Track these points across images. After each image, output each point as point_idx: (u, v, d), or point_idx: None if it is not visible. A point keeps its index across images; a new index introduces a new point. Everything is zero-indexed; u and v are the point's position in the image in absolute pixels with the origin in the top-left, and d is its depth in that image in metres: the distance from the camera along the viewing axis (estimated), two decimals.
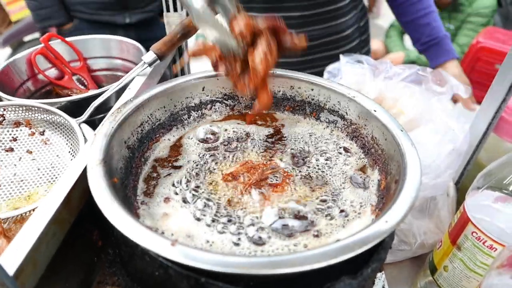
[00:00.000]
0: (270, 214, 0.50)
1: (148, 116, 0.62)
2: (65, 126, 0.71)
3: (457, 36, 2.31)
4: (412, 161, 0.49)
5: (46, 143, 0.71)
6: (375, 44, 2.71)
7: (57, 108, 0.75)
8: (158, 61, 0.74)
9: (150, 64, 0.74)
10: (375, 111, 0.60)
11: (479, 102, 0.81)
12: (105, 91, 0.75)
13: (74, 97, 0.78)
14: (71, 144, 0.70)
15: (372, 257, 0.43)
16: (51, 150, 0.71)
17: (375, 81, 0.97)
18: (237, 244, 0.47)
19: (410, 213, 0.75)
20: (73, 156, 0.68)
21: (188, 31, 0.75)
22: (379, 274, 0.62)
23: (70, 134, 0.70)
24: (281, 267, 0.35)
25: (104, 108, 0.80)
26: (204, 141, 0.65)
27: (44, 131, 0.72)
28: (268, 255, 0.45)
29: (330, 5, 1.08)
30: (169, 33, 0.76)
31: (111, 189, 0.44)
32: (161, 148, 0.63)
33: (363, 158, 0.61)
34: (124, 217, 0.40)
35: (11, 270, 0.36)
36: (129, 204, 0.50)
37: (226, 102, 0.71)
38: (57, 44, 0.94)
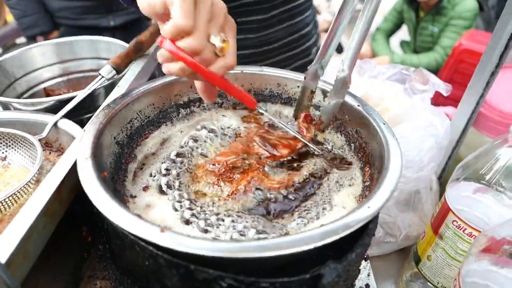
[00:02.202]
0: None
1: (137, 113, 0.63)
2: (28, 143, 0.66)
3: (440, 38, 2.37)
4: (394, 151, 0.51)
5: (7, 168, 0.67)
6: (362, 47, 2.75)
7: (45, 108, 0.76)
8: (116, 74, 0.78)
9: (108, 79, 0.77)
10: (358, 106, 0.62)
11: None
12: (91, 92, 0.75)
13: (61, 96, 0.78)
14: (32, 162, 0.66)
15: (356, 243, 0.44)
16: (11, 173, 0.66)
17: (360, 80, 0.99)
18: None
19: (395, 206, 0.78)
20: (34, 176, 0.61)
21: (141, 47, 0.84)
22: (364, 263, 0.63)
23: (32, 151, 0.66)
24: (269, 250, 0.37)
25: (93, 107, 0.81)
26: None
27: (6, 156, 0.68)
28: (255, 239, 0.46)
29: (288, 3, 1.07)
30: (125, 48, 0.82)
31: (100, 181, 0.45)
32: (150, 145, 0.64)
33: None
34: (114, 206, 0.41)
35: (2, 258, 0.37)
36: (119, 197, 0.51)
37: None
38: (46, 46, 0.95)
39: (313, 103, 0.68)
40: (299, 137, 0.62)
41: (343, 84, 0.60)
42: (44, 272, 0.48)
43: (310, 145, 0.62)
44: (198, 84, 0.55)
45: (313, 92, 0.67)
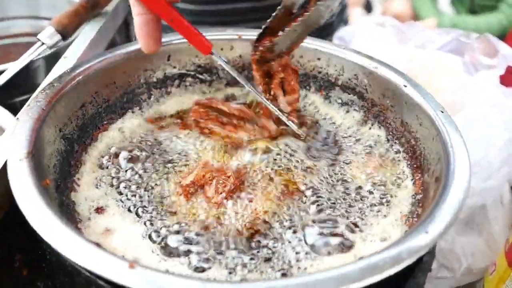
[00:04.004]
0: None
1: (92, 95, 0.62)
2: None
3: None
4: (458, 151, 0.50)
5: None
6: (398, 4, 2.73)
7: None
8: (61, 40, 0.77)
9: (51, 46, 0.77)
10: (405, 86, 0.60)
11: None
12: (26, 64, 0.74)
13: None
14: None
15: (406, 283, 0.43)
16: None
17: (401, 50, 0.98)
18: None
19: (453, 228, 0.76)
20: None
21: (97, 2, 0.83)
22: None
23: None
24: None
25: (29, 86, 0.79)
26: None
27: None
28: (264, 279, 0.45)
29: None
30: (74, 3, 0.81)
31: (42, 192, 0.43)
32: (110, 140, 0.62)
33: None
34: (62, 230, 0.39)
35: None
36: (67, 214, 0.49)
37: (200, 76, 0.72)
38: None
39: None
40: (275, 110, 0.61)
41: None
42: None
43: (292, 126, 0.62)
44: (136, 20, 0.56)
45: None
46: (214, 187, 0.55)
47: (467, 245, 0.76)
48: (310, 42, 0.69)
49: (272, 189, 0.56)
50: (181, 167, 0.59)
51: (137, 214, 0.52)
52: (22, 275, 0.57)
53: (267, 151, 0.61)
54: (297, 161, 0.60)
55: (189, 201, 0.54)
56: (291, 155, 0.60)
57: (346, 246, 0.49)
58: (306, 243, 0.49)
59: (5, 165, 0.47)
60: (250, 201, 0.54)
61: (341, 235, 0.50)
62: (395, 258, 0.38)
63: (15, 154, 0.46)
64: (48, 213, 0.40)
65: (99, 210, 0.53)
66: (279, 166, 0.59)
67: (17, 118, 0.52)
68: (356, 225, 0.52)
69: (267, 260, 0.47)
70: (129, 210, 0.53)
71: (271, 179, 0.57)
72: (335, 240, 0.50)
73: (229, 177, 0.56)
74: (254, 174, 0.58)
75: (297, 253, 0.48)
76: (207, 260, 0.47)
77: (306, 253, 0.48)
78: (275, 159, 0.60)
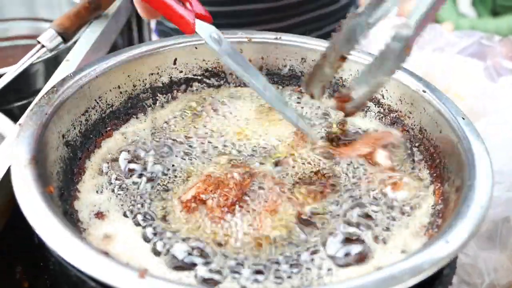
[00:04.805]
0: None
1: (95, 100, 0.63)
2: None
3: None
4: (480, 160, 0.50)
5: None
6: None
7: None
8: (63, 43, 0.79)
9: (51, 49, 0.78)
10: (424, 91, 0.61)
11: None
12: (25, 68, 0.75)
13: None
14: None
15: None
16: None
17: (419, 54, 0.99)
18: None
19: (474, 241, 0.77)
20: None
21: (99, 3, 0.84)
22: None
23: None
24: None
25: (28, 91, 0.81)
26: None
27: None
28: None
29: None
30: (76, 5, 0.83)
31: (46, 199, 0.44)
32: (114, 146, 0.63)
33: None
34: (68, 238, 0.40)
35: None
36: (71, 223, 0.50)
37: (208, 81, 0.73)
38: None
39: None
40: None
41: (401, 49, 0.53)
42: None
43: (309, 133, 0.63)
44: None
45: (343, 58, 0.61)
46: (216, 201, 0.55)
47: (490, 260, 0.76)
48: (322, 45, 0.70)
49: (283, 199, 0.56)
50: (184, 179, 0.59)
51: (137, 222, 0.53)
52: (23, 287, 0.58)
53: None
54: (310, 164, 0.61)
55: (191, 216, 0.54)
56: (303, 163, 0.61)
57: (365, 256, 0.50)
58: (326, 255, 0.50)
59: (7, 172, 0.48)
60: (256, 213, 0.54)
61: (362, 243, 0.51)
62: (414, 269, 0.39)
63: (20, 160, 0.47)
64: (54, 220, 0.41)
65: (99, 215, 0.54)
66: (290, 174, 0.60)
67: (19, 124, 0.53)
68: (376, 235, 0.52)
69: (278, 275, 0.48)
70: (132, 219, 0.53)
71: (281, 187, 0.58)
72: (355, 249, 0.50)
73: (231, 189, 0.56)
74: (262, 183, 0.58)
75: (319, 268, 0.48)
76: (215, 272, 0.47)
77: (329, 269, 0.48)
78: (286, 167, 0.61)
